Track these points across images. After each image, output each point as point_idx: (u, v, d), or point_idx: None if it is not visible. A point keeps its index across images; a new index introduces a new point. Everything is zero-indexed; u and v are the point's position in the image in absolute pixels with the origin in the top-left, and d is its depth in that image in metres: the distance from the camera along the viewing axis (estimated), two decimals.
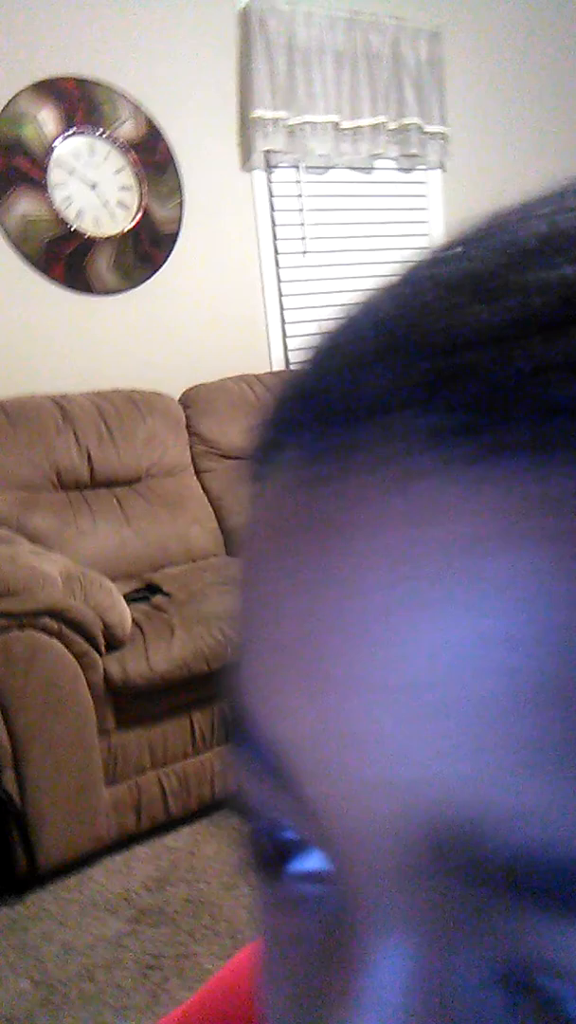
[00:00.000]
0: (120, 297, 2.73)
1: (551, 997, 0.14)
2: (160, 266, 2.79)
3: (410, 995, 0.14)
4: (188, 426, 2.66)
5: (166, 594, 2.12)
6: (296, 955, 0.17)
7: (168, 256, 2.80)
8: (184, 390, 2.72)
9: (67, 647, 1.73)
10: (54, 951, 1.57)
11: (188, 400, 2.70)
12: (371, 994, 0.15)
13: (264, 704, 0.17)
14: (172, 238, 2.80)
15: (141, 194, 2.70)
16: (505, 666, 0.13)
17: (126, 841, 1.88)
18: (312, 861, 0.17)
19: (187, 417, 2.66)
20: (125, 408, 2.52)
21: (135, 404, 2.55)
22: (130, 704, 1.84)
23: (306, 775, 0.16)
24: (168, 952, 1.55)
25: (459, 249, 0.17)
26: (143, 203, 2.70)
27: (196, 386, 2.71)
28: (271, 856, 0.18)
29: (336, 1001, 0.15)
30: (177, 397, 2.70)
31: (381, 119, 3.02)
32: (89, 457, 2.40)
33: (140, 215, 2.70)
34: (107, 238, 2.66)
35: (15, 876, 1.73)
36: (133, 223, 2.69)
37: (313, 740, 0.15)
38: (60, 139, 2.55)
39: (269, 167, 2.96)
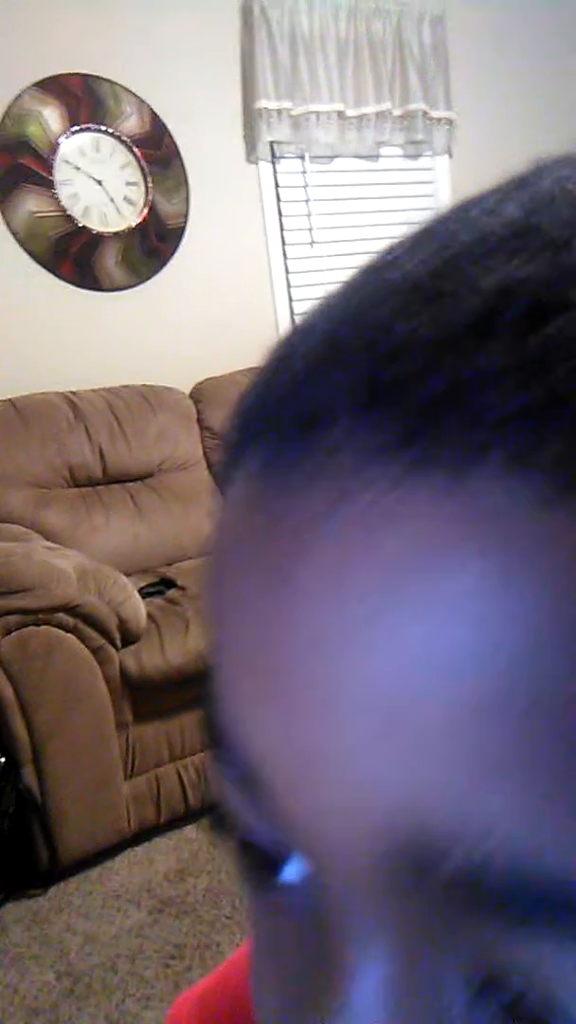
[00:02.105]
0: (128, 293, 2.73)
1: (522, 1005, 0.14)
2: (168, 260, 2.79)
3: (388, 1003, 0.15)
4: (199, 420, 2.66)
5: (180, 588, 2.13)
6: (283, 962, 0.18)
7: (175, 250, 2.80)
8: (195, 384, 2.73)
9: (83, 642, 1.74)
10: (77, 943, 1.59)
11: (199, 394, 2.70)
12: (352, 1002, 0.15)
13: (233, 714, 0.17)
14: (179, 232, 2.80)
15: (147, 189, 2.70)
16: (440, 683, 0.13)
17: (146, 833, 1.89)
18: (295, 869, 0.17)
19: (198, 411, 2.67)
20: (136, 403, 2.52)
21: (146, 399, 2.55)
22: (147, 697, 1.85)
23: (275, 786, 0.16)
24: (190, 942, 1.56)
25: (390, 260, 0.17)
26: (149, 198, 2.70)
27: (206, 380, 2.72)
28: (256, 864, 0.18)
29: (319, 1008, 0.15)
30: (188, 391, 2.71)
31: (386, 106, 2.99)
32: (101, 453, 2.41)
33: (147, 210, 2.70)
34: (114, 234, 2.66)
35: (38, 870, 1.75)
36: (140, 218, 2.69)
37: (279, 752, 0.15)
38: (65, 136, 2.56)
39: (274, 158, 2.95)
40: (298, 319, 0.18)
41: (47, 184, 2.54)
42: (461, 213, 0.16)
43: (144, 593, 2.04)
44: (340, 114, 2.93)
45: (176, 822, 1.92)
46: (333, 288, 0.18)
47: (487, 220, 0.15)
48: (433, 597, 0.13)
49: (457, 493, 0.13)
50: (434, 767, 0.13)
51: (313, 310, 0.18)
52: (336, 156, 3.07)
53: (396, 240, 0.18)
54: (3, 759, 1.69)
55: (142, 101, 2.68)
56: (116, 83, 2.63)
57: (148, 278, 2.76)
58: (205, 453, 2.64)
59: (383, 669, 0.13)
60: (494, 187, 0.17)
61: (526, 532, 0.12)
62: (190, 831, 1.91)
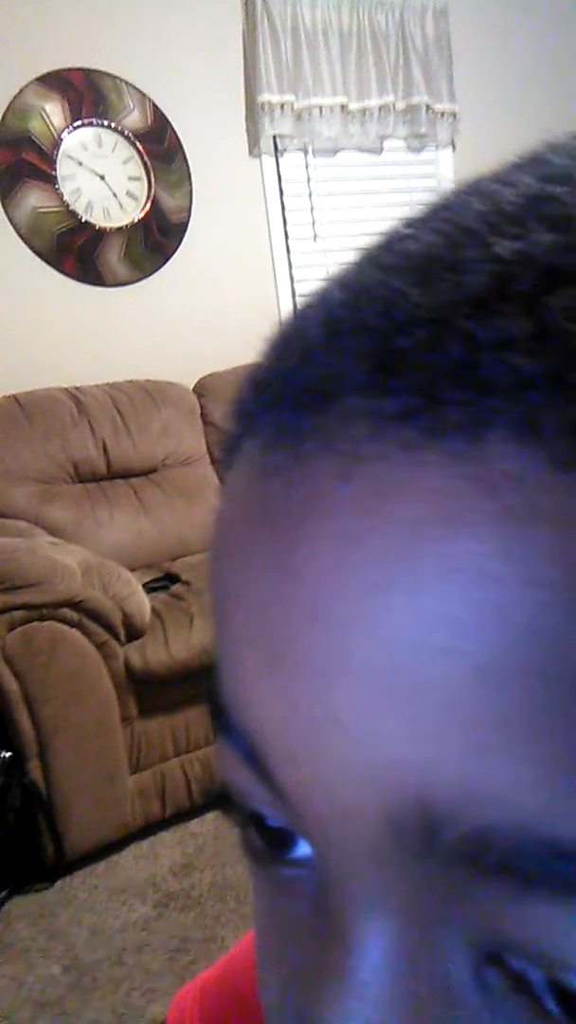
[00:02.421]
0: (132, 288, 2.73)
1: (522, 978, 0.14)
2: (171, 256, 2.79)
3: (394, 976, 0.15)
4: (203, 415, 2.66)
5: (185, 583, 2.14)
6: (288, 939, 0.18)
7: (179, 245, 2.80)
8: (198, 379, 2.72)
9: (87, 637, 1.74)
10: (83, 936, 1.60)
11: (202, 389, 2.70)
12: (358, 975, 0.15)
13: (235, 693, 0.17)
14: (182, 227, 2.80)
15: (150, 184, 2.70)
16: (451, 648, 0.13)
17: (152, 827, 1.90)
18: (298, 847, 0.17)
19: (202, 406, 2.67)
20: (140, 399, 2.52)
21: (149, 394, 2.55)
22: (151, 692, 1.86)
23: (277, 762, 0.16)
24: (195, 935, 1.57)
25: (404, 232, 0.17)
26: (152, 193, 2.70)
27: (210, 375, 2.71)
28: (260, 843, 0.19)
29: (325, 983, 0.15)
30: (191, 386, 2.71)
31: (389, 99, 2.98)
32: (105, 449, 2.41)
33: (149, 205, 2.70)
34: (117, 229, 2.66)
35: (44, 864, 1.76)
36: (143, 213, 2.69)
37: (280, 727, 0.15)
38: (68, 131, 2.55)
39: (278, 152, 2.94)
40: (308, 297, 0.18)
41: (50, 179, 2.54)
42: (475, 186, 0.16)
43: (148, 588, 2.04)
44: (343, 108, 2.92)
45: (181, 816, 1.93)
46: (347, 261, 0.18)
47: (502, 191, 0.15)
48: (445, 562, 0.13)
49: (469, 459, 0.13)
50: (441, 733, 0.13)
51: (327, 283, 0.18)
52: (339, 150, 3.06)
53: (410, 214, 0.18)
54: (9, 754, 1.70)
55: (144, 95, 2.67)
56: (118, 77, 2.63)
57: (151, 273, 2.76)
58: (209, 448, 2.64)
59: (394, 632, 0.13)
60: (507, 162, 0.17)
61: (538, 497, 0.12)
62: (195, 825, 1.91)
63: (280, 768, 0.16)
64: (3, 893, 1.71)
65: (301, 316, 0.18)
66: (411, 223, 0.17)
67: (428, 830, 0.13)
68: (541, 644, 0.12)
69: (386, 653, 0.13)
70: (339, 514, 0.14)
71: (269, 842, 0.18)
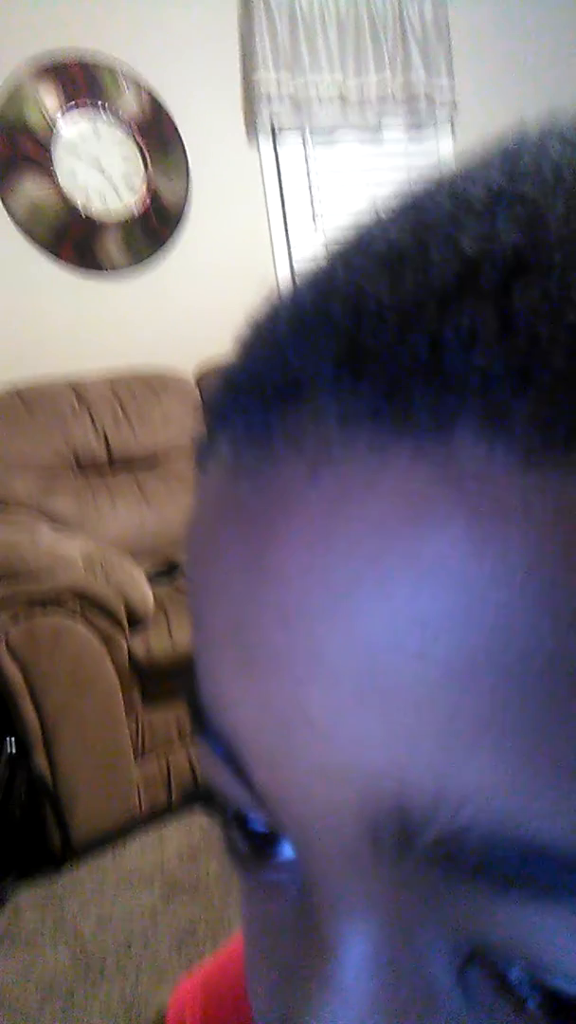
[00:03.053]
0: (130, 277, 2.72)
1: (503, 978, 0.14)
2: (169, 243, 2.77)
3: (375, 978, 0.15)
4: (203, 403, 2.65)
5: None
6: (273, 942, 0.18)
7: (177, 233, 2.78)
8: (198, 367, 2.71)
9: (91, 628, 1.75)
10: (91, 924, 1.61)
11: (203, 378, 2.69)
12: (339, 978, 0.15)
13: (212, 694, 0.17)
14: (180, 214, 2.78)
15: (147, 171, 2.68)
16: (421, 650, 0.13)
17: (158, 816, 1.90)
18: (280, 848, 0.17)
19: (202, 395, 2.66)
20: (140, 388, 2.52)
21: (149, 384, 2.55)
22: (155, 682, 1.86)
23: (254, 764, 0.16)
24: (202, 923, 1.57)
25: (372, 230, 0.16)
26: (149, 180, 2.68)
27: (210, 363, 2.71)
28: (244, 846, 0.19)
29: (308, 986, 0.15)
30: (191, 375, 2.70)
31: (387, 84, 2.96)
32: (106, 439, 2.41)
33: (147, 192, 2.68)
34: (115, 217, 2.64)
35: (51, 853, 1.77)
36: (140, 200, 2.68)
37: (255, 729, 0.15)
38: (63, 120, 2.54)
39: (275, 138, 2.92)
40: (276, 296, 0.18)
41: (46, 168, 2.52)
42: (444, 183, 0.16)
43: (151, 578, 2.04)
44: (341, 92, 2.90)
45: (187, 804, 1.93)
46: (298, 275, 0.18)
47: (470, 188, 0.15)
48: (414, 560, 0.13)
49: (436, 455, 0.13)
50: (413, 733, 0.13)
51: (297, 282, 0.18)
52: (337, 134, 3.03)
53: (378, 212, 0.17)
54: (14, 744, 1.70)
55: (140, 83, 2.65)
56: (114, 64, 2.61)
57: (150, 261, 2.75)
58: None
59: (365, 633, 0.13)
60: (477, 158, 0.17)
61: (505, 492, 0.12)
62: (201, 813, 1.92)
63: (257, 770, 0.16)
64: (10, 882, 1.72)
65: (271, 315, 0.17)
66: (379, 221, 0.17)
67: (404, 833, 0.13)
68: (510, 644, 0.12)
69: (357, 655, 0.13)
70: (309, 514, 0.14)
71: (252, 846, 0.18)
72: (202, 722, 0.18)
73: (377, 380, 0.13)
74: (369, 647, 0.13)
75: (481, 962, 0.14)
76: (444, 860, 0.13)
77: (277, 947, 0.18)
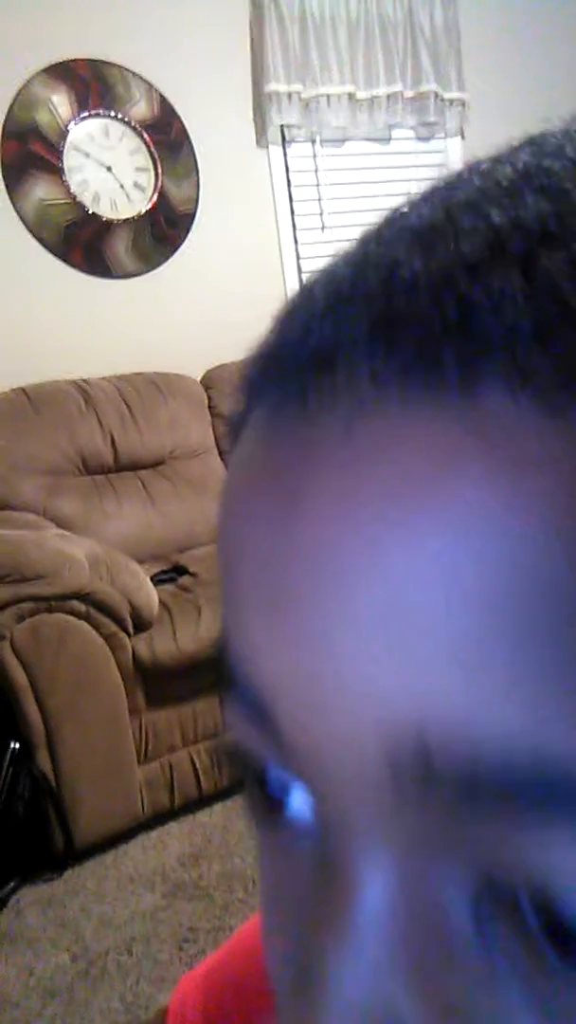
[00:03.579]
0: (139, 280, 2.73)
1: (516, 910, 0.14)
2: (178, 247, 2.78)
3: (393, 914, 0.15)
4: (210, 407, 2.66)
5: (192, 575, 2.14)
6: (291, 899, 0.18)
7: (186, 236, 2.79)
8: (206, 371, 2.72)
9: (96, 629, 1.75)
10: (92, 925, 1.61)
11: (210, 381, 2.70)
12: (358, 915, 0.15)
13: (241, 646, 0.18)
14: (189, 218, 2.79)
15: (157, 175, 2.69)
16: (443, 583, 0.13)
17: (160, 818, 1.90)
18: (301, 801, 0.18)
19: (209, 398, 2.66)
20: (147, 391, 2.52)
21: (157, 386, 2.55)
22: (159, 684, 1.86)
23: (281, 710, 0.16)
24: (203, 925, 1.57)
25: (405, 210, 0.17)
26: (159, 184, 2.69)
27: (218, 366, 2.71)
28: (265, 800, 0.19)
29: (326, 926, 0.16)
30: (199, 378, 2.70)
31: (397, 88, 2.96)
32: (113, 441, 2.41)
33: (156, 196, 2.69)
34: (124, 220, 2.65)
35: (53, 854, 1.77)
36: (150, 204, 2.69)
37: (284, 674, 0.16)
38: (74, 122, 2.55)
39: (285, 142, 2.93)
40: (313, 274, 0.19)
41: (56, 171, 2.54)
42: (474, 166, 0.17)
43: (156, 580, 2.05)
44: (351, 96, 2.91)
45: (189, 807, 1.93)
46: (332, 256, 0.19)
47: (499, 168, 0.16)
48: (441, 505, 0.13)
49: (463, 409, 0.13)
50: (433, 665, 0.13)
51: (333, 258, 0.19)
52: (347, 139, 3.04)
53: (410, 196, 0.19)
54: (17, 744, 1.71)
55: (151, 86, 2.67)
56: (125, 68, 2.62)
57: (159, 265, 2.76)
58: (216, 440, 2.64)
59: (392, 574, 0.14)
60: (504, 147, 0.18)
61: (528, 441, 0.13)
62: (203, 815, 1.92)
63: (283, 715, 0.16)
64: (13, 883, 1.72)
65: (305, 290, 0.18)
66: (412, 202, 0.18)
67: (423, 758, 0.14)
68: (525, 572, 0.13)
69: (384, 595, 0.14)
70: (341, 467, 0.15)
71: (272, 800, 0.19)
72: (230, 679, 0.18)
73: (408, 341, 0.14)
74: (396, 587, 0.14)
75: (493, 899, 0.14)
76: (461, 784, 0.13)
77: (294, 905, 0.18)
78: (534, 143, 0.17)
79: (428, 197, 0.17)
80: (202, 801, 1.95)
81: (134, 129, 2.64)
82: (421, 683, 0.14)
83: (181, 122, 2.73)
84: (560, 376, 0.13)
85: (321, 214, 3.05)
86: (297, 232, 3.02)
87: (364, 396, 0.15)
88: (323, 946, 0.16)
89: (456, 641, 0.13)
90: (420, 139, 3.19)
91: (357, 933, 0.15)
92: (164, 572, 2.18)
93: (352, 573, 0.14)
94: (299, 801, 0.18)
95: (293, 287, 3.01)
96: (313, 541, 0.15)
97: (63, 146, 2.54)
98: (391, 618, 0.14)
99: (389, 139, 3.13)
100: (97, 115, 2.59)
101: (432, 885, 0.15)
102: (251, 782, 0.20)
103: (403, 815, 0.15)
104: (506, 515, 0.13)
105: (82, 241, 2.61)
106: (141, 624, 1.84)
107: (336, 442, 0.15)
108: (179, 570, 2.19)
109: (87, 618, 1.74)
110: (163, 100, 2.69)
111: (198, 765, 1.93)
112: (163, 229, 2.74)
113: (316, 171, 3.02)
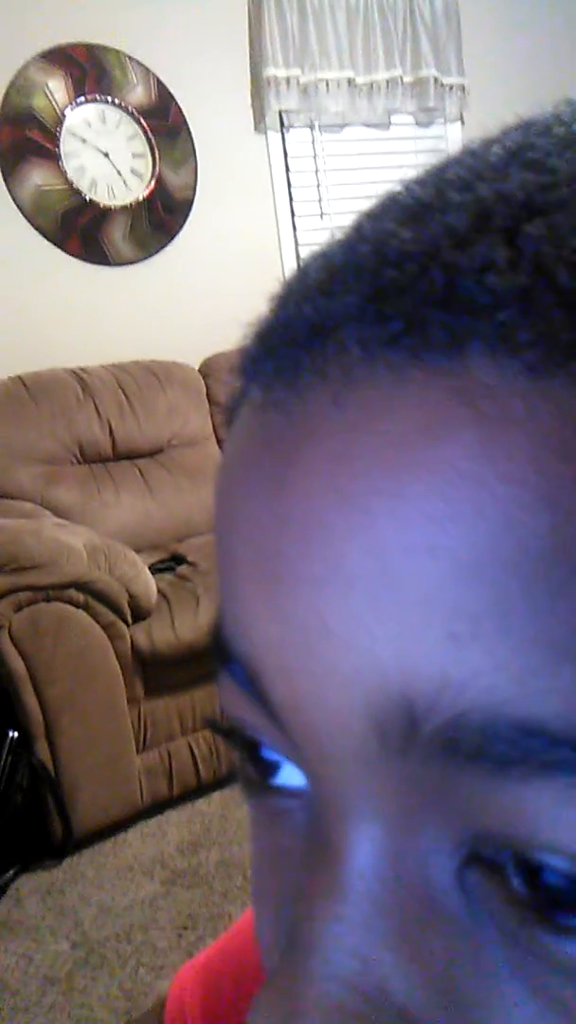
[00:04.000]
0: (136, 267, 2.72)
1: (501, 879, 0.14)
2: (176, 234, 2.77)
3: (380, 880, 0.15)
4: (208, 396, 2.65)
5: (191, 564, 2.14)
6: (281, 868, 0.19)
7: (184, 223, 2.78)
8: (204, 359, 2.71)
9: (94, 618, 1.75)
10: (91, 913, 1.62)
11: (208, 369, 2.69)
12: (345, 881, 0.16)
13: (235, 618, 0.18)
14: (187, 204, 2.77)
15: (154, 161, 2.67)
16: (431, 545, 0.14)
17: (159, 806, 1.91)
18: (291, 775, 0.18)
19: (207, 386, 2.66)
20: (145, 379, 2.52)
21: (155, 375, 2.54)
22: (158, 673, 1.87)
23: (272, 679, 0.17)
24: (202, 913, 1.58)
25: (410, 184, 0.18)
26: (157, 170, 2.67)
27: (216, 355, 2.70)
28: (258, 767, 0.20)
29: (315, 893, 0.16)
30: (197, 366, 2.69)
31: (397, 73, 2.94)
32: (111, 429, 2.41)
33: (154, 182, 2.67)
34: (122, 207, 2.64)
35: (52, 842, 1.77)
36: (147, 191, 2.67)
37: (275, 643, 0.16)
38: (71, 108, 2.53)
39: (284, 128, 2.91)
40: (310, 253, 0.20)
41: (53, 157, 2.52)
42: (467, 148, 0.18)
43: (154, 569, 2.05)
44: (350, 82, 2.89)
45: (188, 795, 1.94)
46: (326, 240, 0.19)
47: (489, 147, 0.17)
48: (427, 466, 0.14)
49: (451, 373, 0.14)
50: (420, 628, 0.14)
51: (328, 240, 0.19)
52: (346, 125, 3.02)
53: (407, 178, 0.19)
54: (16, 733, 1.71)
55: (148, 71, 2.64)
56: (122, 53, 2.60)
57: (156, 252, 2.74)
58: (215, 429, 2.64)
59: (379, 539, 0.14)
60: (496, 130, 0.18)
61: (512, 402, 0.13)
62: (202, 804, 1.93)
63: (274, 685, 0.17)
64: (12, 871, 1.73)
65: (300, 270, 0.19)
66: (406, 183, 0.18)
67: (410, 723, 0.14)
68: (513, 536, 0.13)
69: (372, 557, 0.14)
70: (331, 434, 0.15)
71: (263, 774, 0.19)
72: (224, 653, 0.19)
73: (398, 309, 0.15)
74: (383, 549, 0.14)
75: (479, 864, 0.15)
76: (446, 747, 0.14)
77: (285, 872, 0.18)
78: (525, 124, 0.18)
79: (419, 178, 0.18)
80: (201, 789, 1.95)
81: (131, 115, 2.62)
82: (405, 645, 0.14)
83: (179, 108, 2.71)
84: (543, 339, 0.13)
85: (320, 200, 3.03)
86: (296, 219, 3.00)
87: (353, 365, 0.15)
88: (311, 911, 0.16)
89: (445, 611, 0.13)
90: (420, 125, 3.17)
91: (345, 898, 0.16)
92: (162, 561, 2.17)
93: (342, 543, 0.15)
94: (290, 769, 0.18)
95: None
96: (303, 511, 0.15)
97: (60, 132, 2.52)
98: (381, 588, 0.14)
99: (388, 125, 3.10)
100: (94, 100, 2.57)
101: (419, 851, 0.15)
102: (244, 754, 0.20)
103: (391, 782, 0.15)
104: (493, 481, 0.13)
105: (79, 228, 2.59)
106: (139, 613, 1.84)
107: (326, 412, 0.15)
108: (177, 559, 2.19)
109: (85, 607, 1.74)
110: (160, 85, 2.67)
111: (197, 754, 1.93)
112: (161, 216, 2.72)
113: (315, 157, 3.00)
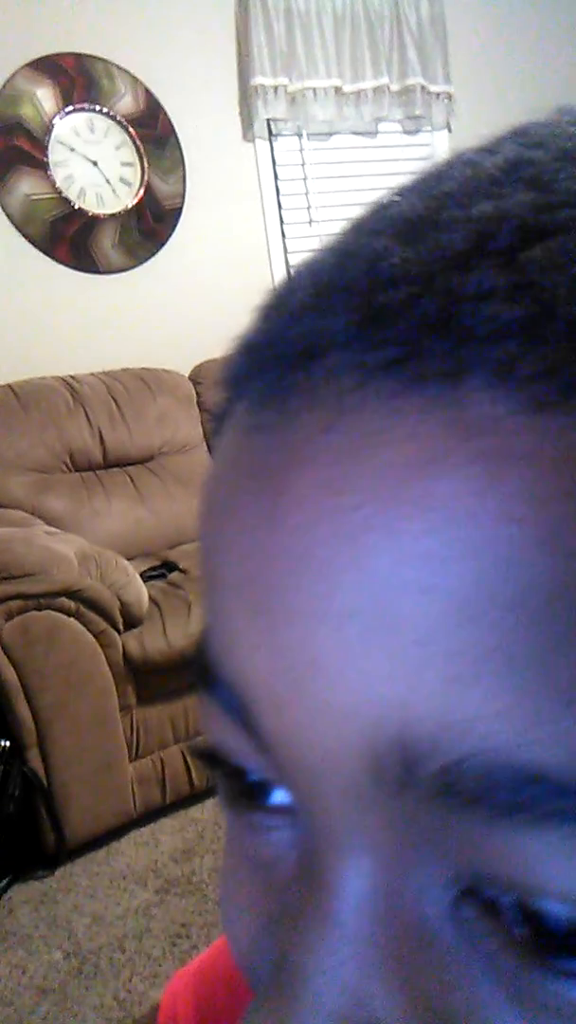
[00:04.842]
0: (126, 275, 2.72)
1: (495, 915, 0.14)
2: (165, 242, 2.77)
3: (373, 915, 0.15)
4: (199, 402, 2.65)
5: (182, 571, 2.14)
6: (265, 883, 0.18)
7: (172, 231, 2.78)
8: (194, 366, 2.71)
9: (85, 626, 1.74)
10: (85, 922, 1.61)
11: (198, 376, 2.69)
12: (337, 914, 0.15)
13: (223, 645, 0.17)
14: (176, 213, 2.78)
15: (143, 169, 2.67)
16: (428, 584, 0.13)
17: (152, 814, 1.90)
18: (280, 795, 0.18)
19: (198, 393, 2.66)
20: (135, 387, 2.52)
21: (145, 382, 2.54)
22: (150, 680, 1.86)
23: (262, 710, 0.16)
24: (196, 921, 1.57)
25: (391, 199, 0.17)
26: (145, 178, 2.68)
27: (206, 361, 2.70)
28: (241, 792, 0.19)
29: (306, 924, 0.16)
30: (187, 374, 2.70)
31: (384, 81, 2.96)
32: (101, 437, 2.41)
33: (143, 191, 2.68)
34: (111, 215, 2.64)
35: (44, 852, 1.76)
36: (136, 199, 2.67)
37: (266, 674, 0.16)
38: (59, 116, 2.53)
39: (272, 136, 2.92)
40: (297, 265, 0.19)
41: (42, 166, 2.52)
42: (460, 156, 0.17)
43: (146, 576, 2.04)
44: (337, 90, 2.90)
45: (181, 803, 1.93)
46: (317, 248, 0.19)
47: (485, 158, 0.16)
48: (423, 501, 0.13)
49: (448, 405, 0.13)
50: (417, 667, 0.13)
51: (316, 250, 0.18)
52: (334, 133, 3.04)
53: (397, 185, 0.18)
54: (8, 742, 1.70)
55: (136, 80, 2.65)
56: (110, 62, 2.60)
57: (145, 260, 2.75)
58: (205, 436, 2.64)
59: (374, 575, 0.14)
60: (493, 135, 0.18)
61: (511, 437, 0.13)
62: (195, 811, 1.92)
63: (264, 716, 0.16)
64: (4, 881, 1.72)
65: (289, 282, 0.18)
66: (398, 191, 0.18)
67: (407, 765, 0.14)
68: (512, 578, 0.12)
69: (366, 594, 0.14)
70: (323, 463, 0.14)
71: (249, 793, 0.19)
72: (208, 676, 0.18)
73: (393, 335, 0.14)
74: (378, 586, 0.14)
75: (473, 898, 0.14)
76: (444, 791, 0.13)
77: (270, 889, 0.18)
78: (520, 134, 0.17)
79: (413, 187, 0.17)
80: (194, 797, 1.95)
81: (119, 123, 2.63)
82: (402, 685, 0.13)
83: (167, 116, 2.72)
84: (545, 373, 0.13)
85: (308, 208, 3.05)
86: (284, 226, 3.01)
87: (345, 392, 0.14)
88: (302, 942, 0.16)
89: (443, 653, 0.13)
90: (407, 132, 3.19)
91: (336, 931, 0.15)
92: (154, 569, 2.17)
93: (334, 577, 0.14)
94: (281, 795, 0.18)
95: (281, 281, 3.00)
96: (294, 543, 0.15)
97: (48, 141, 2.52)
98: (375, 625, 0.14)
99: (376, 133, 3.12)
100: (82, 109, 2.57)
101: (413, 886, 0.15)
102: (229, 781, 0.19)
103: (384, 820, 0.14)
104: (491, 520, 0.13)
105: (68, 236, 2.59)
106: (131, 621, 1.83)
107: (317, 440, 0.15)
108: (169, 566, 2.18)
109: (77, 615, 1.73)
110: (148, 94, 2.68)
111: (190, 761, 1.93)
112: (150, 224, 2.73)
113: (303, 165, 3.02)
